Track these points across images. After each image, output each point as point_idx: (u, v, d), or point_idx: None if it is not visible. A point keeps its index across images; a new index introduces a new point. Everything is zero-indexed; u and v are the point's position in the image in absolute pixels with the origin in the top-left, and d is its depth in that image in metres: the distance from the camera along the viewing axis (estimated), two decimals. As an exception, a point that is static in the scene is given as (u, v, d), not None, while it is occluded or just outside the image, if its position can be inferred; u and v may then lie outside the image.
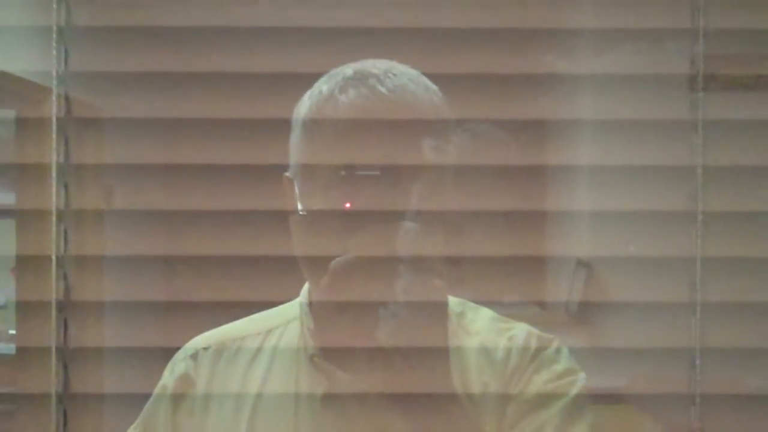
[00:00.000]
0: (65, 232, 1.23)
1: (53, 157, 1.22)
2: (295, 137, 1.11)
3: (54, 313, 1.26)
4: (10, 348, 2.38)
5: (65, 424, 1.25)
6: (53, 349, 1.26)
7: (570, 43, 1.29)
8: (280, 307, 1.20)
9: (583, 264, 2.29)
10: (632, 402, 1.64)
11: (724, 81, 1.28)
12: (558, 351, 1.14)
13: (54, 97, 1.22)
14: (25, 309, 1.80)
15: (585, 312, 2.21)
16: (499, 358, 1.12)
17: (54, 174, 1.23)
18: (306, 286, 1.16)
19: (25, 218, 1.96)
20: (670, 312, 1.30)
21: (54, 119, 1.22)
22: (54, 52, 1.21)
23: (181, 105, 1.22)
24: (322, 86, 1.10)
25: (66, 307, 1.25)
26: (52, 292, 1.24)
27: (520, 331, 1.15)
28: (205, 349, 1.18)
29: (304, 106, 1.11)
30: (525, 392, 1.10)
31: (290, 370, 1.14)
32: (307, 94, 1.12)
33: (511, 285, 1.31)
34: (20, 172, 1.98)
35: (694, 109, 1.27)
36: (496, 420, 1.09)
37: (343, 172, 1.04)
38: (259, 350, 1.17)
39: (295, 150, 1.11)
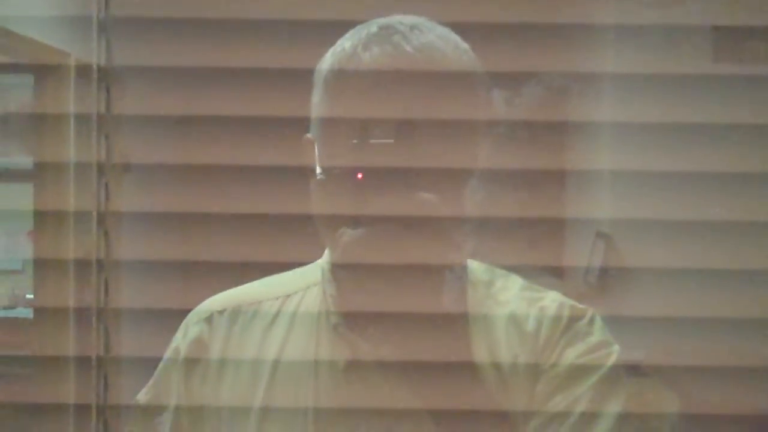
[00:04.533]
0: (106, 186, 1.19)
1: (95, 107, 1.17)
2: (316, 95, 1.07)
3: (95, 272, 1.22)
4: (27, 312, 2.36)
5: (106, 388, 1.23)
6: (95, 311, 1.22)
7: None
8: (300, 269, 1.16)
9: (603, 235, 2.25)
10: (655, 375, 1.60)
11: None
12: (591, 322, 1.09)
13: (95, 44, 1.17)
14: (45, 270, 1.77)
15: (604, 282, 2.18)
16: (529, 330, 1.08)
17: (95, 125, 1.18)
18: (328, 249, 1.13)
19: (43, 177, 1.93)
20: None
21: (95, 67, 1.17)
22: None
23: (199, 53, 1.17)
24: (345, 43, 1.06)
25: (107, 266, 1.21)
26: (95, 250, 1.20)
27: (552, 302, 1.10)
28: (220, 312, 1.14)
29: (326, 63, 1.06)
30: (557, 366, 1.06)
31: (310, 337, 1.10)
32: (330, 50, 1.07)
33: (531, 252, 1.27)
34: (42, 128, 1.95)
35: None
36: (527, 393, 1.05)
37: (355, 141, 0.99)
38: (277, 315, 1.13)
39: (316, 108, 1.06)
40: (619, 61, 1.28)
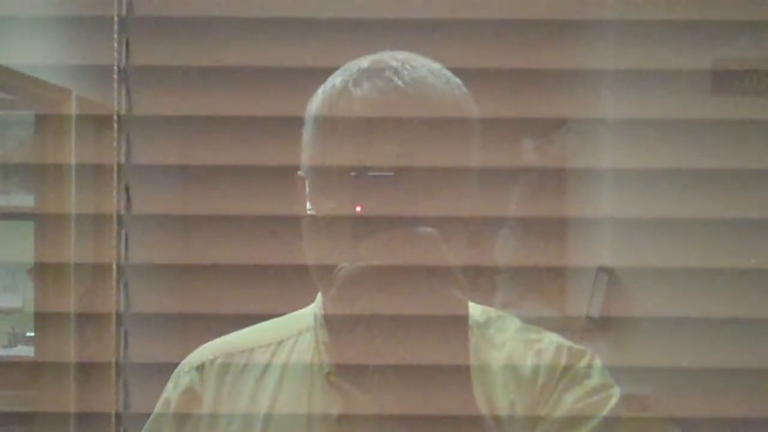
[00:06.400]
0: (126, 238, 1.17)
1: (115, 157, 1.16)
2: (307, 133, 1.05)
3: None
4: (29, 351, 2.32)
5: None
6: (113, 364, 1.21)
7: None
8: (292, 314, 1.13)
9: (605, 270, 2.23)
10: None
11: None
12: (590, 365, 1.06)
13: (115, 95, 1.16)
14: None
15: (607, 320, 2.15)
16: (526, 375, 1.05)
17: (115, 175, 1.17)
18: (320, 294, 1.10)
19: (43, 220, 1.92)
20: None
21: (116, 117, 1.16)
22: (115, 44, 1.15)
23: (194, 101, 1.16)
24: (335, 79, 1.04)
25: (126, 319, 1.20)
26: (114, 302, 1.19)
27: (549, 344, 1.07)
28: (212, 361, 1.11)
29: (316, 101, 1.05)
30: (554, 413, 1.03)
31: (303, 387, 1.06)
32: (321, 87, 1.06)
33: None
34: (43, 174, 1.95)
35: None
36: None
37: (353, 173, 0.96)
38: (269, 363, 1.10)
39: (307, 147, 1.05)
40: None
